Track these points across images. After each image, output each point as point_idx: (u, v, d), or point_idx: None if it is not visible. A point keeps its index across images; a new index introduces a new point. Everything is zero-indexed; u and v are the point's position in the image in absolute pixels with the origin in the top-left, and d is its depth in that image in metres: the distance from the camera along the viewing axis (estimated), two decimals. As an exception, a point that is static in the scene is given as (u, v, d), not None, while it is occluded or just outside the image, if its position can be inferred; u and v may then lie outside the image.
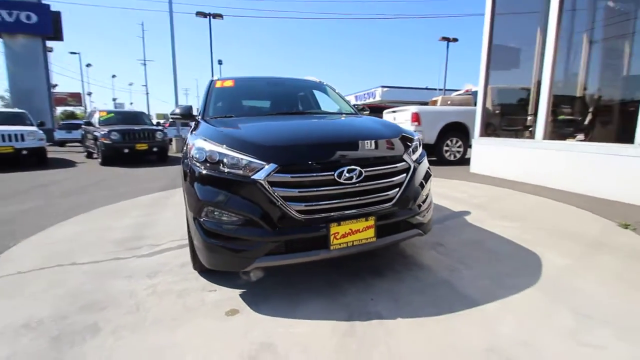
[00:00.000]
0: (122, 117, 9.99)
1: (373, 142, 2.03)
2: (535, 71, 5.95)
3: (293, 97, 3.44)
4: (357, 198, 1.89)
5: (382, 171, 1.96)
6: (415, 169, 2.09)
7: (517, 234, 2.96)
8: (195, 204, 1.90)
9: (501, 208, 3.89)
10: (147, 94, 41.55)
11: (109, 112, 10.05)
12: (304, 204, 1.79)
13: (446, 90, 34.10)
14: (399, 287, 2.09)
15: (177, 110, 2.97)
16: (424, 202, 2.19)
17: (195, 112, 3.44)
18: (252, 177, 1.76)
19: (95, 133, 8.97)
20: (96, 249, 2.87)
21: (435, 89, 39.47)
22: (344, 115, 3.08)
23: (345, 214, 1.85)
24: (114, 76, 58.87)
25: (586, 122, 5.03)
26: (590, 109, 5.20)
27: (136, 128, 9.09)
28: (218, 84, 3.17)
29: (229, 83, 3.21)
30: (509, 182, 5.43)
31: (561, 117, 5.29)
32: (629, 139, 3.93)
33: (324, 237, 1.81)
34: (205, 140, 2.01)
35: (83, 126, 11.01)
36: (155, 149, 9.29)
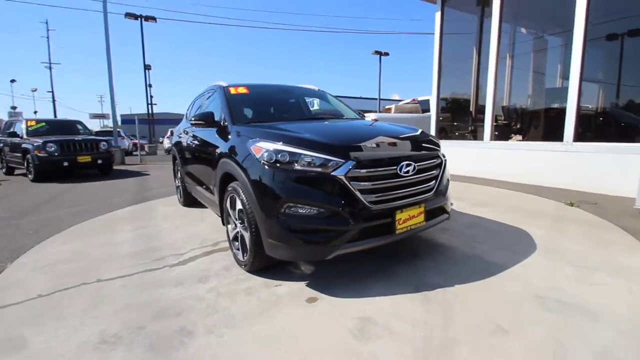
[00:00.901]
0: (55, 127, 8.78)
1: (419, 141, 2.39)
2: (473, 83, 7.05)
3: (309, 103, 3.66)
4: (413, 188, 2.20)
5: (427, 165, 2.32)
6: (445, 164, 2.50)
7: (498, 216, 3.59)
8: (273, 202, 2.00)
9: (473, 198, 4.59)
10: (54, 101, 36.23)
11: (38, 121, 8.72)
12: (374, 195, 2.04)
13: (381, 99, 36.85)
14: (439, 264, 2.45)
15: (196, 117, 2.95)
16: (448, 191, 2.61)
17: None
18: (332, 173, 1.95)
19: (25, 145, 7.74)
20: (114, 264, 2.67)
21: (370, 99, 42.26)
22: (359, 119, 3.39)
23: (405, 203, 2.16)
24: (13, 81, 49.68)
25: (519, 125, 6.16)
26: (520, 115, 6.37)
27: (77, 138, 8.10)
28: (232, 91, 3.21)
29: (243, 90, 3.27)
30: (465, 177, 6.32)
31: (501, 122, 6.37)
32: (557, 137, 4.98)
33: (390, 224, 2.08)
34: (272, 142, 2.12)
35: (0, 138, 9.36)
36: (99, 162, 8.38)
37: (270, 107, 3.36)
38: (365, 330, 1.71)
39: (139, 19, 18.42)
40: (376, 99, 43.80)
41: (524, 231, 3.09)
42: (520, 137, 5.93)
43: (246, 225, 2.23)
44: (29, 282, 2.43)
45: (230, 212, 2.55)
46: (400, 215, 2.11)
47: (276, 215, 2.00)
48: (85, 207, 4.94)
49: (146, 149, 20.07)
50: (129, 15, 18.04)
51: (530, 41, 6.94)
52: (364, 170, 2.02)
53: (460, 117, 7.44)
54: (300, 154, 2.01)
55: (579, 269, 2.28)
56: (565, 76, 5.87)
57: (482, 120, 6.49)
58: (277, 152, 2.05)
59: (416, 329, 1.70)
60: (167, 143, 21.15)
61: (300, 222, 1.96)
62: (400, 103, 10.83)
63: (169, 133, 21.68)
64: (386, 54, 30.77)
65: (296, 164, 2.00)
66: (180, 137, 4.40)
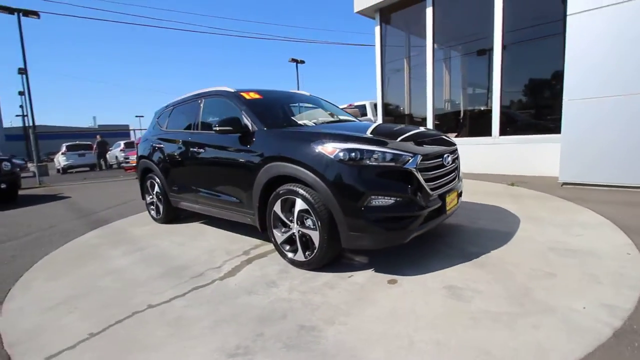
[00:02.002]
0: None
1: (444, 138, 2.82)
2: (406, 90, 8.09)
3: (321, 108, 3.79)
4: (450, 176, 2.62)
5: (455, 156, 2.77)
6: (459, 156, 3.00)
7: (469, 198, 4.33)
8: (355, 196, 2.15)
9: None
10: None
11: None
12: (432, 183, 2.37)
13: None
14: (462, 238, 2.92)
15: (220, 123, 2.84)
16: (461, 177, 3.13)
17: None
18: (405, 166, 2.21)
19: None
20: (146, 289, 2.40)
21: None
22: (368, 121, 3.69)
23: (449, 188, 2.55)
24: None
25: (453, 125, 7.35)
26: (452, 116, 7.59)
27: (-32, 160, 6.39)
28: (247, 96, 3.16)
29: (256, 95, 3.23)
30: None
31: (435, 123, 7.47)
32: (487, 133, 6.16)
33: (442, 206, 2.45)
34: (342, 142, 2.27)
35: None
36: (3, 186, 6.76)
37: (286, 112, 3.42)
38: (457, 294, 2.02)
39: (16, 13, 15.19)
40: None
41: (499, 207, 3.84)
42: (454, 135, 7.08)
43: (316, 223, 2.32)
44: (55, 324, 2.03)
45: (281, 215, 2.57)
46: (448, 199, 2.50)
47: (359, 209, 2.16)
48: (27, 238, 4.06)
49: (33, 169, 16.62)
50: (2, 9, 14.72)
51: (447, 56, 8.29)
52: (427, 163, 2.34)
53: (400, 120, 8.41)
54: (375, 151, 2.21)
55: (559, 227, 3.03)
56: (477, 85, 7.26)
57: (420, 123, 7.50)
58: (351, 150, 2.22)
59: (493, 285, 2.09)
60: (63, 161, 17.90)
61: (382, 212, 2.17)
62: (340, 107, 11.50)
63: (63, 149, 18.41)
64: (302, 61, 31.87)
65: (370, 160, 2.20)
66: (158, 147, 4.02)
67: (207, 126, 3.45)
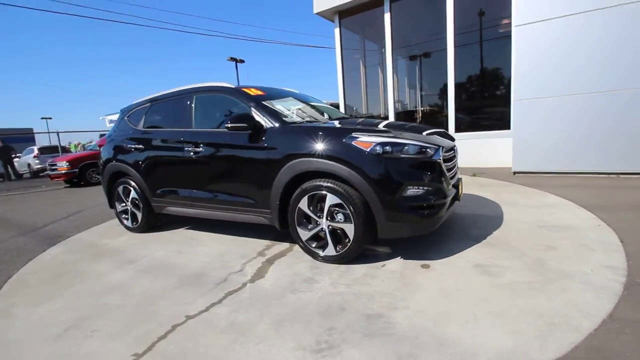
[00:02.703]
0: None
1: (448, 133, 3.08)
2: (363, 91, 8.48)
3: (319, 106, 3.78)
4: (456, 166, 2.88)
5: (456, 149, 3.04)
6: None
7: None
8: (393, 187, 2.24)
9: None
10: None
11: None
12: (450, 173, 2.59)
13: None
14: (461, 223, 3.22)
15: (233, 121, 2.69)
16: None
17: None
18: (433, 157, 2.37)
19: None
20: (171, 302, 2.19)
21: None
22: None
23: (459, 177, 2.80)
24: None
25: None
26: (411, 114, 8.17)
27: None
28: (252, 93, 3.03)
29: (259, 92, 3.11)
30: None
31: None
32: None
33: (457, 193, 2.68)
34: (374, 136, 2.35)
35: None
36: None
37: (299, 109, 3.35)
38: (487, 271, 2.24)
39: None
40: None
41: (476, 195, 4.29)
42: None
43: (351, 216, 2.35)
44: (81, 352, 1.75)
45: (308, 211, 2.54)
46: (460, 187, 2.74)
47: (397, 199, 2.25)
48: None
49: None
50: None
51: (405, 57, 8.89)
52: (445, 154, 2.54)
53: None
54: (407, 144, 2.33)
55: (534, 209, 3.52)
56: (433, 85, 7.94)
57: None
58: (386, 144, 2.30)
59: (511, 260, 2.36)
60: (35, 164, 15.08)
61: (416, 201, 2.29)
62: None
63: (35, 152, 15.58)
64: (241, 61, 30.88)
65: (402, 153, 2.32)
66: (134, 148, 3.61)
67: (203, 124, 3.23)
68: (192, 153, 3.13)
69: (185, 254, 3.06)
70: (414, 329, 1.69)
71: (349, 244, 2.43)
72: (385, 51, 7.30)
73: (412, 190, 2.29)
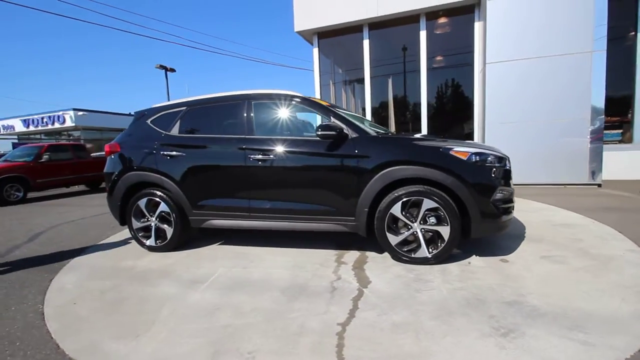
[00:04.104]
0: None
1: None
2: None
3: (358, 116, 3.92)
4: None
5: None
6: None
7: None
8: (489, 191, 2.56)
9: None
10: None
11: None
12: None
13: None
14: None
15: (323, 128, 2.71)
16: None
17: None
18: (507, 166, 2.77)
19: None
20: (302, 313, 2.09)
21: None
22: None
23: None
24: None
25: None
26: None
27: None
28: (325, 103, 3.08)
29: (325, 102, 3.16)
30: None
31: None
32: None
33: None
34: (466, 147, 2.65)
35: None
36: None
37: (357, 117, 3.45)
38: (554, 260, 2.69)
39: None
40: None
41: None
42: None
43: (447, 219, 2.58)
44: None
45: (401, 216, 2.69)
46: (507, 193, 3.24)
47: (490, 201, 2.57)
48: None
49: None
50: None
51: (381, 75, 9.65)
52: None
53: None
54: (490, 154, 2.69)
55: (534, 212, 4.25)
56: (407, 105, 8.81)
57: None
58: (478, 154, 2.63)
59: (563, 251, 2.87)
60: None
61: (502, 202, 2.64)
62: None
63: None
64: (172, 69, 28.81)
65: (489, 162, 2.67)
66: (170, 155, 3.24)
67: (266, 131, 3.12)
68: (259, 161, 2.99)
69: (254, 268, 2.86)
70: (556, 308, 1.98)
71: (442, 245, 2.65)
72: (364, 71, 7.90)
73: (499, 194, 2.64)
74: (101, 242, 3.96)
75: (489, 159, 2.68)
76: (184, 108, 3.42)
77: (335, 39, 8.24)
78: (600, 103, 5.55)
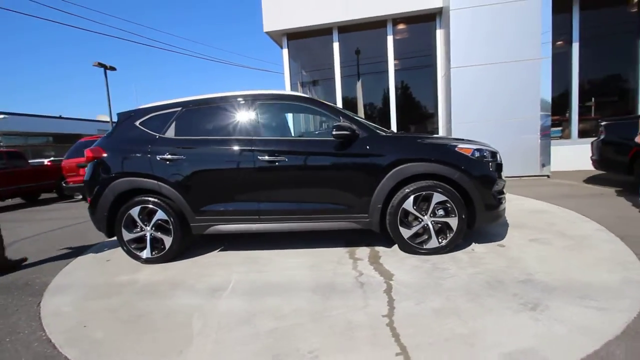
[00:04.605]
0: None
1: None
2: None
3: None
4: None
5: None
6: None
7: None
8: (490, 183, 2.82)
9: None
10: None
11: None
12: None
13: (83, 120, 31.52)
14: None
15: (339, 128, 2.77)
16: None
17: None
18: (499, 160, 3.06)
19: None
20: (343, 310, 2.12)
21: (81, 119, 34.32)
22: None
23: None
24: None
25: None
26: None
27: None
28: (329, 104, 3.11)
29: (330, 103, 3.20)
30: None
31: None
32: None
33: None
34: (468, 144, 2.88)
35: None
36: None
37: None
38: (542, 242, 3.04)
39: None
40: (87, 120, 36.45)
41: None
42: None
43: (455, 210, 2.79)
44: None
45: (412, 210, 2.84)
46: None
47: (491, 193, 2.83)
48: None
49: None
50: None
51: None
52: None
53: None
54: (487, 150, 2.95)
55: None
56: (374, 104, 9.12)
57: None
58: (479, 150, 2.87)
59: (545, 234, 3.25)
60: None
61: (499, 194, 2.92)
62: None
63: None
64: (112, 68, 26.38)
65: (487, 157, 2.92)
66: (168, 159, 3.04)
67: (273, 132, 3.08)
68: (268, 162, 2.93)
69: (270, 272, 2.81)
70: (561, 282, 2.26)
71: (451, 235, 2.85)
72: (334, 72, 8.06)
73: (497, 186, 2.92)
74: (77, 259, 3.57)
75: (486, 154, 2.95)
76: (179, 109, 3.23)
77: (305, 41, 8.30)
78: (548, 104, 6.34)
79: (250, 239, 3.68)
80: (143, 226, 3.15)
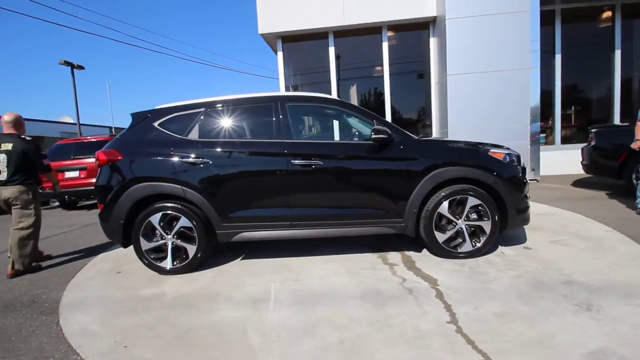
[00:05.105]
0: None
1: None
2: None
3: None
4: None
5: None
6: None
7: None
8: (522, 186, 2.92)
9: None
10: None
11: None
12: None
13: (81, 124, 29.38)
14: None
15: (377, 131, 2.75)
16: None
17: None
18: (523, 165, 3.15)
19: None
20: (404, 314, 2.08)
21: (42, 121, 32.07)
22: None
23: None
24: None
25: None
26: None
27: None
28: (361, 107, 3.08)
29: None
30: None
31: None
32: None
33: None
34: (498, 150, 2.94)
35: None
36: None
37: None
38: (563, 244, 3.17)
39: None
40: (49, 121, 34.18)
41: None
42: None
43: (489, 214, 2.84)
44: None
45: (447, 214, 2.86)
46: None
47: (522, 196, 2.91)
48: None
49: None
50: None
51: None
52: None
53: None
54: (514, 154, 3.04)
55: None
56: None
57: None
58: (509, 154, 2.95)
59: (561, 235, 3.40)
60: None
61: (527, 198, 3.02)
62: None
63: None
64: (80, 67, 24.66)
65: (515, 162, 3.01)
66: (194, 162, 2.87)
67: (304, 135, 2.99)
68: (303, 166, 2.84)
69: (307, 280, 2.71)
70: (600, 282, 2.35)
71: (484, 239, 2.90)
72: (330, 75, 8.06)
73: (526, 189, 3.01)
74: (83, 271, 3.27)
75: (514, 158, 3.04)
76: (203, 109, 3.06)
77: (300, 44, 8.25)
78: (537, 111, 6.70)
79: (271, 246, 3.53)
80: (164, 234, 2.93)
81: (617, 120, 7.42)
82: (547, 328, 1.86)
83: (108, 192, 2.95)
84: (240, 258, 3.31)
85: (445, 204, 2.86)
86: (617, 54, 7.27)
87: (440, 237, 2.90)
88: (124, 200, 2.90)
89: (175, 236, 2.94)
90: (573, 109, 7.81)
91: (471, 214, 2.91)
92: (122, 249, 3.18)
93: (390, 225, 2.94)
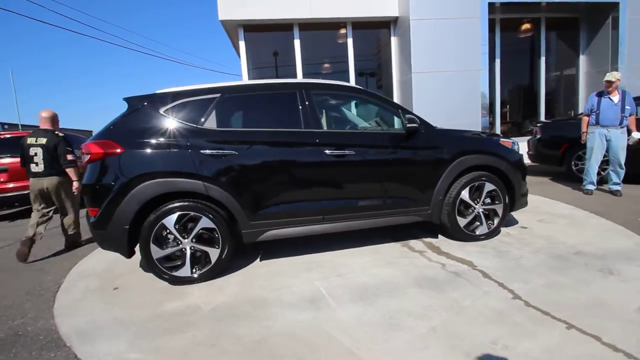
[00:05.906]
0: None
1: None
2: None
3: None
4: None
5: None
6: None
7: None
8: (524, 171, 3.23)
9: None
10: None
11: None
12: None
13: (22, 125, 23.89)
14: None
15: (411, 120, 2.76)
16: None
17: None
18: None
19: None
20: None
21: None
22: None
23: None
24: None
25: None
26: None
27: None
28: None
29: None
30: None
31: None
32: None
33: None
34: (505, 138, 3.20)
35: None
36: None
37: None
38: (556, 223, 3.64)
39: None
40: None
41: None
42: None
43: (501, 197, 3.09)
44: None
45: (468, 199, 3.04)
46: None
47: (524, 180, 3.24)
48: None
49: None
50: None
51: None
52: None
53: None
54: (515, 142, 3.35)
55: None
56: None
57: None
58: (514, 143, 3.24)
59: (553, 217, 3.89)
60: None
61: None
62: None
63: None
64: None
65: (517, 148, 3.32)
66: (217, 155, 2.54)
67: (330, 124, 2.87)
68: (336, 157, 2.73)
69: (350, 274, 2.62)
70: (603, 250, 2.77)
71: (497, 220, 3.16)
72: (296, 71, 7.87)
73: (525, 173, 3.36)
74: (69, 292, 2.66)
75: (517, 146, 3.36)
76: (218, 95, 2.72)
77: (263, 34, 7.88)
78: (486, 107, 7.53)
79: (286, 244, 3.32)
80: (180, 238, 2.54)
81: (542, 116, 8.74)
82: (593, 292, 2.12)
83: (104, 193, 2.44)
84: (258, 260, 3.05)
85: (467, 190, 3.04)
86: (542, 60, 8.54)
87: (462, 221, 3.08)
88: (129, 202, 2.43)
89: (194, 240, 2.57)
90: (508, 107, 8.98)
91: (486, 198, 3.14)
92: (91, 261, 2.67)
93: (418, 213, 3.01)
